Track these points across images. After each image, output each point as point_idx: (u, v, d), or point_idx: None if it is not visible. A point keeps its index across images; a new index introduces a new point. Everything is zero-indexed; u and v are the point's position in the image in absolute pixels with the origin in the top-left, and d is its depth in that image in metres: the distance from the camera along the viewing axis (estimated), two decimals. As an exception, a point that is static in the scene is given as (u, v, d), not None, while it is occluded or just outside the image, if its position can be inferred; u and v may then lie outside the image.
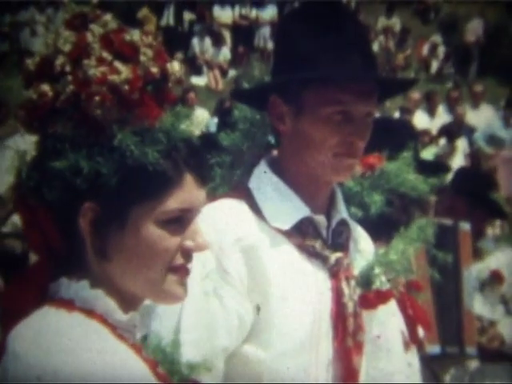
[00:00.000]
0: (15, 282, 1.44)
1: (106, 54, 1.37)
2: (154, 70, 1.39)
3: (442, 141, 11.64)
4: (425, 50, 15.75)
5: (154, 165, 1.35)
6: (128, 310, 1.41)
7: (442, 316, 3.38)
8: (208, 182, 1.47)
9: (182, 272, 1.41)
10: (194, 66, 15.02)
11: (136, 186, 1.36)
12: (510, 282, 4.34)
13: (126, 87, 1.35)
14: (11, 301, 1.40)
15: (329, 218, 2.03)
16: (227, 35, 15.80)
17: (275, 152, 2.10)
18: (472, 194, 4.08)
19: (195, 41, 15.50)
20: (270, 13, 15.90)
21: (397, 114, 11.73)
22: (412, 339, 2.26)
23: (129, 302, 1.42)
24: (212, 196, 1.91)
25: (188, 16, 16.05)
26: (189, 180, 1.40)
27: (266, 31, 15.82)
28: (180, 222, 1.40)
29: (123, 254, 1.38)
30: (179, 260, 1.40)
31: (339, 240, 2.03)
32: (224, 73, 15.20)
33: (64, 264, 1.40)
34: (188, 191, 1.39)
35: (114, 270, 1.39)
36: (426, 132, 11.21)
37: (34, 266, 1.44)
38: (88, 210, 1.37)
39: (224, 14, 16.02)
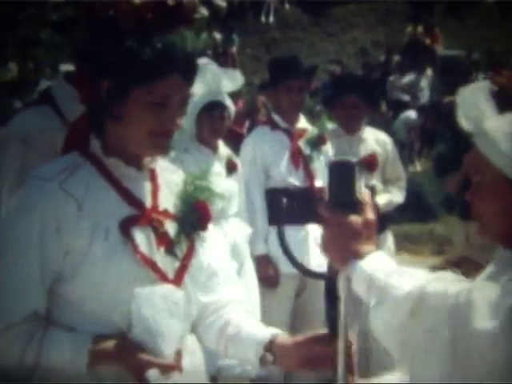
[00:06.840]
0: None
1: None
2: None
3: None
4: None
5: (150, 58, 1.99)
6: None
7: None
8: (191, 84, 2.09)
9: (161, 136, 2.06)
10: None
11: (134, 74, 2.00)
12: None
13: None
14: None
15: None
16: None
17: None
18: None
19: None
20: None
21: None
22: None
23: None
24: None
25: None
26: (175, 77, 2.02)
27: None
28: (162, 106, 2.03)
29: (123, 120, 2.04)
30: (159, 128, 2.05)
31: None
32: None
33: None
34: (171, 85, 2.02)
35: (119, 131, 2.07)
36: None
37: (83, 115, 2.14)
38: (104, 83, 2.04)
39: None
